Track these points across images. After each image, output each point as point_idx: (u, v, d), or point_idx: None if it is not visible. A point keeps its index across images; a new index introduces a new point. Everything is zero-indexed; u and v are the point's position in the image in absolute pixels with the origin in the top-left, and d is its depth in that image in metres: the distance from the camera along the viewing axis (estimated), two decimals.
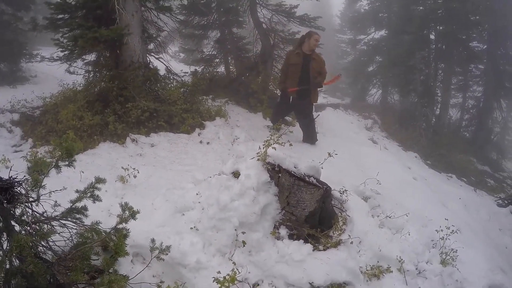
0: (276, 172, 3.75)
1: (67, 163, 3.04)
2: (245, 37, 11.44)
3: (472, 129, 17.67)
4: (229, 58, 11.38)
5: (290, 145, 4.16)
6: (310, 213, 3.75)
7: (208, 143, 6.72)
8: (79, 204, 3.08)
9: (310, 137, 7.50)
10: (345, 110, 15.07)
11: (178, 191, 4.52)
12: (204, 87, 8.44)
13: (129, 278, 3.02)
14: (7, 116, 7.41)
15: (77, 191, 3.17)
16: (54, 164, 2.98)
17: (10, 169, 2.88)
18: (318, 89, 7.22)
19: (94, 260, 3.08)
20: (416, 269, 4.05)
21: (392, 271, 3.81)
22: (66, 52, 6.76)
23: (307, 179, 3.74)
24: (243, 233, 3.62)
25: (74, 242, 3.02)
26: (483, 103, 17.47)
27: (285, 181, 3.73)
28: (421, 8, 14.75)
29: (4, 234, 2.67)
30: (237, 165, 3.89)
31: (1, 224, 2.66)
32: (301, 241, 3.71)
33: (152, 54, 8.00)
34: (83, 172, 4.90)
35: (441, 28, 14.62)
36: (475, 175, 12.63)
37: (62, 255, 2.86)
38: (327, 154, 4.22)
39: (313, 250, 3.65)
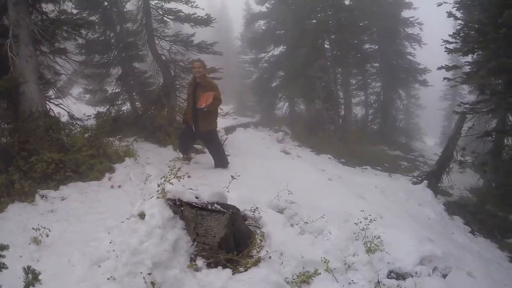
0: (178, 206, 3.83)
1: None
2: (147, 71, 11.43)
3: (378, 121, 19.50)
4: (133, 94, 11.24)
5: (189, 176, 4.23)
6: (221, 239, 3.83)
7: (119, 186, 6.57)
8: None
9: (220, 161, 7.62)
10: (256, 127, 15.62)
11: (93, 242, 4.43)
12: (108, 129, 8.21)
13: None
14: None
15: None
16: None
17: None
18: (213, 113, 7.29)
19: None
20: (345, 264, 4.23)
21: (320, 273, 3.96)
22: None
23: (210, 207, 3.83)
24: (153, 273, 3.61)
25: None
26: (383, 97, 19.40)
27: (189, 213, 3.80)
28: (314, 21, 15.84)
29: None
30: (142, 206, 3.91)
31: None
32: (220, 267, 3.78)
33: (52, 101, 7.67)
34: None
35: (333, 37, 15.85)
36: (389, 161, 13.80)
37: None
38: (231, 178, 4.36)
39: (233, 273, 3.74)
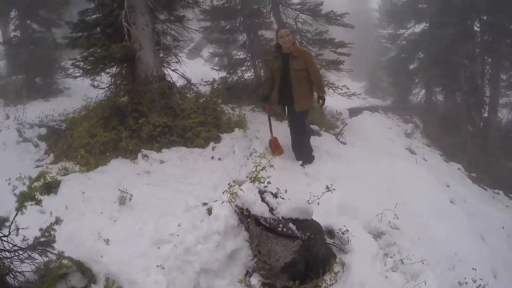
0: (245, 216, 3.32)
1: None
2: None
3: None
4: (257, 61, 10.97)
5: (268, 183, 3.65)
6: (286, 264, 3.22)
7: (219, 158, 6.32)
8: (44, 239, 3.23)
9: (304, 154, 6.32)
10: (385, 113, 14.09)
11: (167, 217, 4.34)
12: (221, 97, 7.97)
13: None
14: (36, 131, 7.65)
15: (40, 229, 3.25)
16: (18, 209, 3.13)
17: None
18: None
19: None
20: None
21: None
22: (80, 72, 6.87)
23: (280, 228, 3.20)
24: (200, 278, 3.33)
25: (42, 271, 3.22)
26: None
27: (253, 229, 3.28)
28: None
29: None
30: (212, 203, 3.49)
31: None
32: None
33: (167, 66, 7.80)
34: (84, 192, 5.03)
35: (485, 18, 13.22)
36: None
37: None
38: (326, 188, 3.68)
39: None
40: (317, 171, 5.83)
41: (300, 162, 6.15)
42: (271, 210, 3.33)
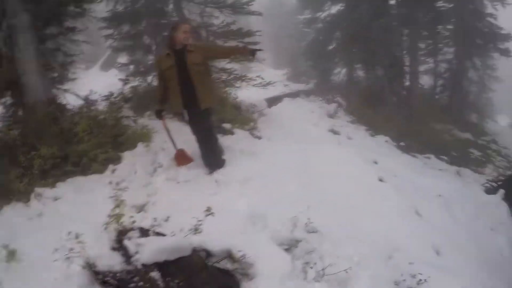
0: (95, 273, 2.69)
1: None
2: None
3: (447, 94, 16.84)
4: None
5: (133, 222, 3.04)
6: None
7: (117, 183, 5.48)
8: None
9: (213, 157, 5.60)
10: (307, 96, 14.00)
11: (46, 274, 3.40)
12: (121, 111, 7.18)
13: None
14: None
15: None
16: None
17: None
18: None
19: None
20: None
21: None
22: None
23: (134, 284, 2.50)
24: None
25: None
26: (456, 65, 16.62)
27: None
28: None
29: None
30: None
31: None
32: None
33: (59, 87, 7.03)
34: None
35: None
36: (457, 148, 11.75)
37: None
38: (206, 211, 3.12)
39: None
40: (229, 176, 5.25)
41: (209, 169, 5.56)
42: (129, 258, 2.68)
